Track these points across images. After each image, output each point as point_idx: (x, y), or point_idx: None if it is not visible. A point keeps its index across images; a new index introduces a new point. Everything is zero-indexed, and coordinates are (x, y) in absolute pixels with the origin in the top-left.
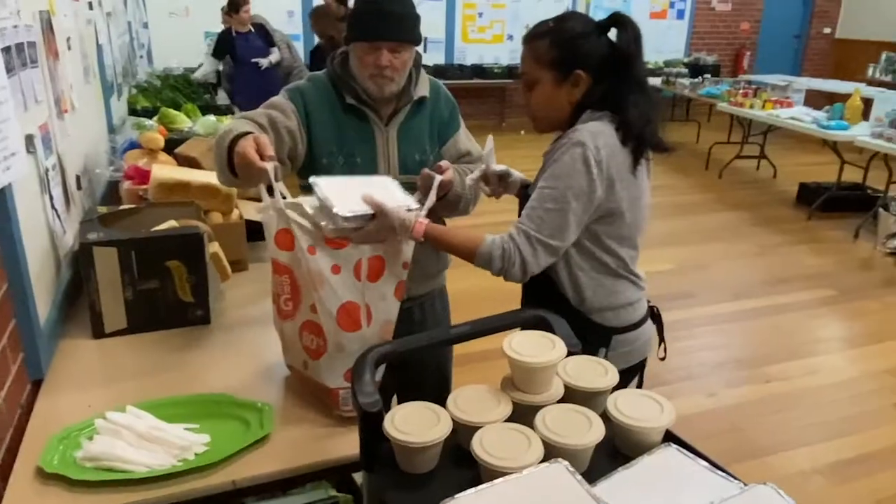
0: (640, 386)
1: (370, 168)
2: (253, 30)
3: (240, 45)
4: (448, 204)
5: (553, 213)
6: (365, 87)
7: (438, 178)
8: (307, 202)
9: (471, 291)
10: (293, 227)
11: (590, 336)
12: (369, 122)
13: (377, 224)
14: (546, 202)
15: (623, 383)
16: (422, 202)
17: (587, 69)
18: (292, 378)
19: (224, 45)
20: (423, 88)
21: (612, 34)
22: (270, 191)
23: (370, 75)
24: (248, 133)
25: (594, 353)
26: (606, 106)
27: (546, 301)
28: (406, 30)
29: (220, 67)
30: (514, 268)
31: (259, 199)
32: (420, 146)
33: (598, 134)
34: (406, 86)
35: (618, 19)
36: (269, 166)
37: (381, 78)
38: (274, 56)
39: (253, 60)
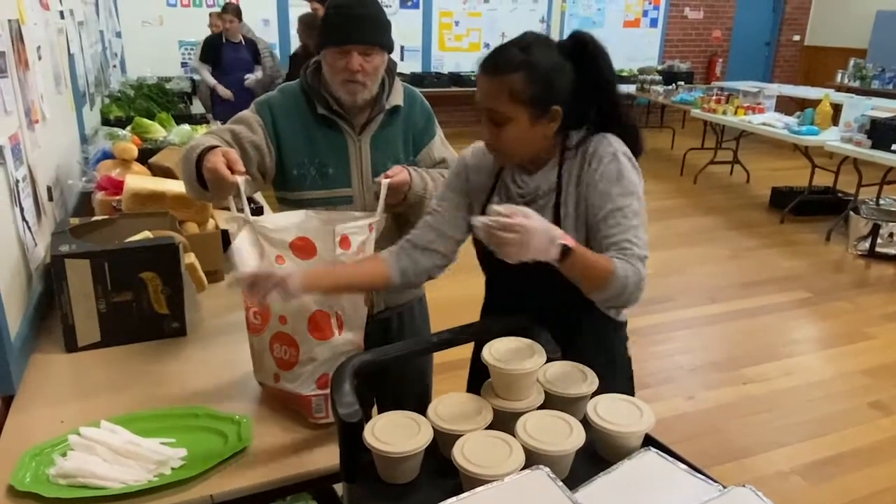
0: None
1: (343, 178)
2: (244, 42)
3: (227, 54)
4: (414, 207)
5: (641, 227)
6: (337, 95)
7: (386, 181)
8: (271, 218)
9: (450, 299)
10: (259, 239)
11: (617, 332)
12: (341, 132)
13: (531, 224)
14: (633, 220)
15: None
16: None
17: (563, 102)
18: (267, 396)
19: (212, 51)
20: (396, 97)
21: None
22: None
23: (342, 81)
24: (215, 147)
25: (625, 347)
26: (588, 123)
27: (573, 303)
28: (376, 33)
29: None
30: (639, 293)
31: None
32: (393, 155)
33: (615, 140)
34: (379, 94)
35: (578, 39)
36: (240, 180)
37: (353, 83)
38: (259, 73)
39: (245, 77)
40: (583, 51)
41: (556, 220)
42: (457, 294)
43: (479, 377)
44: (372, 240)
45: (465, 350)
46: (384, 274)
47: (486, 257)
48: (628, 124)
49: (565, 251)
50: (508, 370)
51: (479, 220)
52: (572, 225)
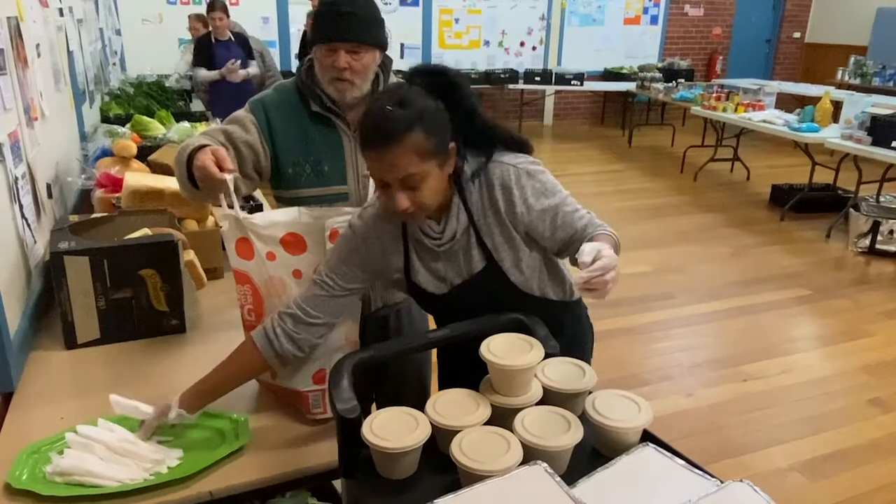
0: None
1: (338, 175)
2: (233, 38)
3: (219, 53)
4: None
5: (571, 199)
6: (328, 91)
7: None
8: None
9: None
10: (250, 236)
11: (583, 313)
12: (336, 129)
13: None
14: (571, 206)
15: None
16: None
17: (453, 138)
18: (265, 390)
19: (204, 53)
20: None
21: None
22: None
23: (330, 79)
24: (205, 146)
25: (590, 327)
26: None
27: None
28: (363, 31)
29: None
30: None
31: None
32: None
33: (507, 158)
34: (372, 91)
35: (437, 72)
36: (229, 177)
37: (341, 81)
38: (252, 69)
39: (227, 70)
40: (444, 83)
41: (489, 253)
42: None
43: (450, 374)
44: None
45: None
46: (258, 361)
47: (443, 320)
48: (506, 137)
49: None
50: (506, 366)
51: (582, 280)
52: (508, 250)
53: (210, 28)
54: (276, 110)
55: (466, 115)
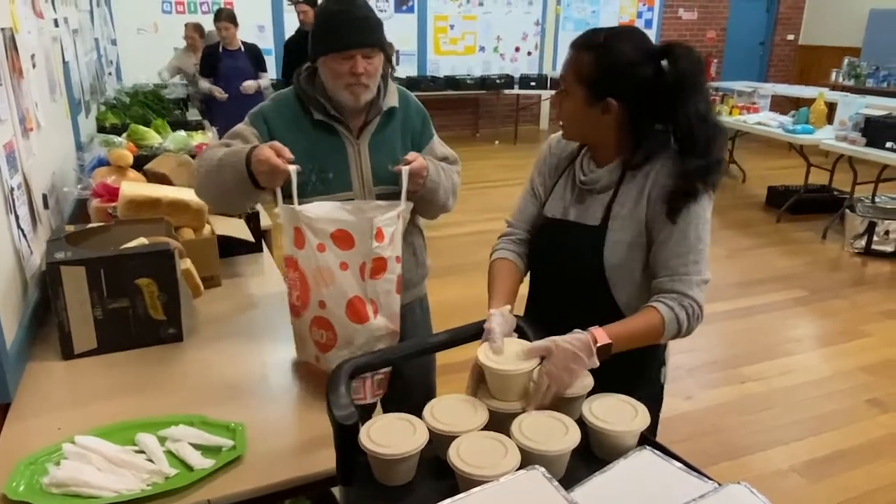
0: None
1: (343, 182)
2: (243, 49)
3: (225, 63)
4: (428, 195)
5: (703, 250)
6: (339, 98)
7: (406, 168)
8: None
9: (453, 300)
10: (303, 227)
11: (652, 356)
12: (339, 136)
13: (553, 367)
14: (697, 243)
15: (661, 398)
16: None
17: (622, 100)
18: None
19: (212, 62)
20: (392, 99)
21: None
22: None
23: (346, 85)
24: (256, 145)
25: (658, 372)
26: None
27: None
28: (376, 35)
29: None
30: (698, 322)
31: (230, 215)
32: (392, 156)
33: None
34: (375, 97)
35: (670, 50)
36: (292, 168)
37: (358, 86)
38: (264, 81)
39: (243, 86)
40: (667, 55)
41: (607, 215)
42: (458, 295)
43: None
44: (400, 229)
45: (469, 351)
46: (516, 268)
47: (534, 268)
48: (712, 157)
49: (605, 350)
50: (503, 371)
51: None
52: (620, 225)
53: (218, 37)
54: (277, 120)
55: (671, 95)
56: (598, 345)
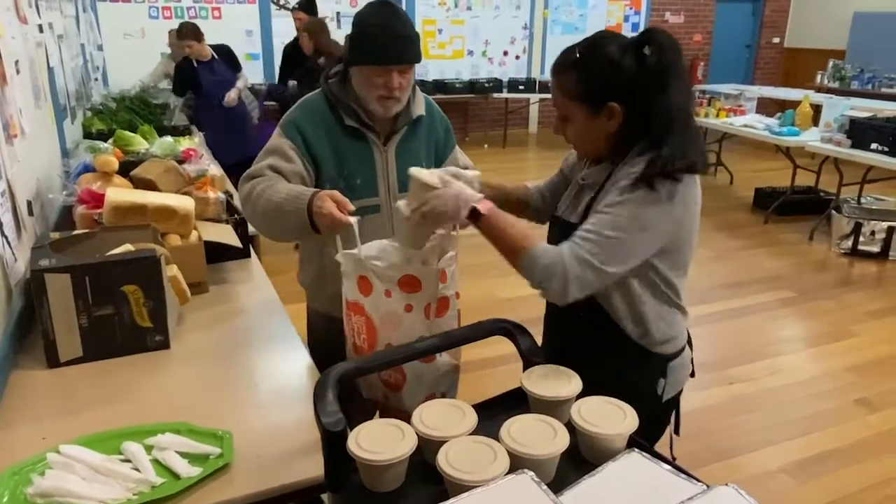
0: (678, 414)
1: (370, 188)
2: (216, 56)
3: (204, 77)
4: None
5: (613, 240)
6: (371, 108)
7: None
8: (373, 247)
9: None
10: (370, 276)
11: (648, 367)
12: (368, 142)
13: (442, 192)
14: (606, 228)
15: (668, 412)
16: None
17: (621, 100)
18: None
19: (186, 79)
20: (419, 107)
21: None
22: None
23: (379, 97)
24: (317, 191)
25: (654, 384)
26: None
27: (598, 334)
28: (416, 52)
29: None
30: (552, 284)
31: (217, 220)
32: (418, 164)
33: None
34: (405, 106)
35: (648, 37)
36: (353, 220)
37: (391, 99)
38: (241, 82)
39: (225, 102)
40: (647, 43)
41: (586, 213)
42: (464, 297)
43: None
44: (456, 262)
45: (471, 354)
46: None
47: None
48: (683, 134)
49: (475, 214)
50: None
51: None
52: None
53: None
54: (310, 127)
55: (652, 83)
56: (472, 205)
